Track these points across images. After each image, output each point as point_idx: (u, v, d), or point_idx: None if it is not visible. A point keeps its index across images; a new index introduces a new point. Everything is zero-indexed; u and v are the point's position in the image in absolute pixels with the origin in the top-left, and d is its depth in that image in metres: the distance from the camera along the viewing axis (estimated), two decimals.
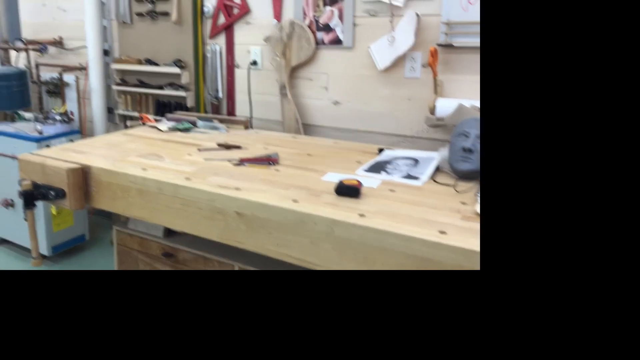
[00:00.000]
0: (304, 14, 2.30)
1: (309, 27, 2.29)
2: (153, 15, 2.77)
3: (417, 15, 1.97)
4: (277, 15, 2.39)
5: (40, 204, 2.52)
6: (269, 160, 1.74)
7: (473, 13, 1.87)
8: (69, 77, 3.25)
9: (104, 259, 2.87)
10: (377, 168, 1.63)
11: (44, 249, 2.72)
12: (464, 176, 1.54)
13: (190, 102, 2.71)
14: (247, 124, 2.36)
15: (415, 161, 1.65)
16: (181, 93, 2.70)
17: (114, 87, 2.96)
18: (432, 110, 1.93)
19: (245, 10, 2.50)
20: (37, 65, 3.24)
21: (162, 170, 1.66)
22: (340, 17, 2.21)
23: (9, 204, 2.80)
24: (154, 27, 2.81)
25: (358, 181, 1.42)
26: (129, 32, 2.92)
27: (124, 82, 2.94)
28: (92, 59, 2.94)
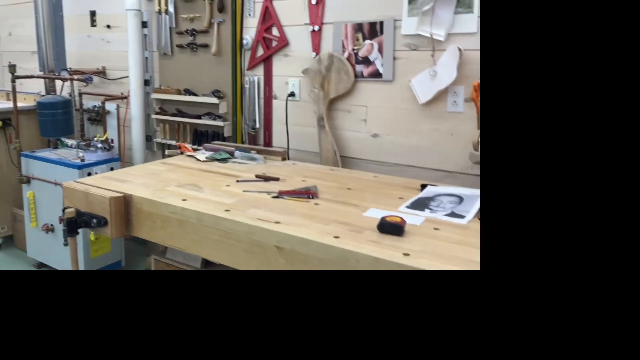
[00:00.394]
0: (343, 47, 2.32)
1: (348, 59, 2.30)
2: (193, 47, 2.84)
3: (460, 49, 1.96)
4: (316, 48, 2.41)
5: (80, 230, 2.56)
6: (308, 194, 1.72)
7: None
8: (110, 106, 3.34)
9: None
10: (420, 205, 1.59)
11: None
12: None
13: (227, 132, 2.74)
14: (285, 156, 2.36)
15: (460, 199, 1.61)
16: (219, 123, 2.73)
17: (153, 116, 3.02)
18: (476, 147, 1.89)
19: (283, 43, 2.53)
20: (80, 94, 3.35)
21: (202, 201, 1.66)
22: (380, 51, 2.21)
23: (49, 229, 2.85)
24: (193, 58, 2.87)
25: (401, 218, 1.39)
26: (169, 63, 2.99)
27: (162, 111, 3.00)
28: (134, 88, 3.02)
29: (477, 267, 1.16)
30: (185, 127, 2.92)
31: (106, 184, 1.82)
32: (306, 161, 2.43)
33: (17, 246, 3.33)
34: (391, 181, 1.98)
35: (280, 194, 1.72)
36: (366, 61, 2.26)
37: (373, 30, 2.22)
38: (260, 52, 2.63)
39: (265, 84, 2.65)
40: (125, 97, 3.19)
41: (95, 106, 3.41)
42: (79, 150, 2.81)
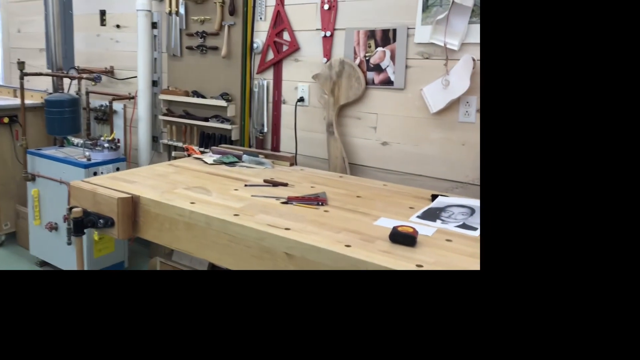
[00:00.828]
0: (355, 53, 2.31)
1: (359, 66, 2.29)
2: (203, 49, 2.83)
3: (474, 59, 1.94)
4: (327, 53, 2.40)
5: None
6: (318, 201, 1.71)
7: None
8: (117, 106, 3.33)
9: None
10: (432, 215, 1.58)
11: None
12: None
13: (234, 135, 2.73)
14: (293, 161, 2.34)
15: (472, 210, 1.59)
16: (226, 126, 2.72)
17: (160, 117, 3.01)
18: None
19: (294, 48, 2.52)
20: (88, 93, 3.34)
21: (210, 204, 1.64)
22: (392, 58, 2.20)
23: (53, 228, 2.83)
24: (202, 60, 2.86)
25: (414, 229, 1.37)
26: (178, 64, 2.98)
27: (170, 113, 2.99)
28: (142, 89, 3.01)
29: None
30: (192, 129, 2.91)
31: (114, 184, 1.81)
32: (314, 167, 2.41)
33: (20, 244, 3.32)
34: (401, 190, 1.96)
35: (289, 200, 1.71)
36: (378, 68, 2.25)
37: (386, 37, 2.20)
38: (270, 56, 2.62)
39: (274, 88, 2.64)
40: (133, 98, 3.18)
41: (102, 105, 3.40)
42: (86, 149, 2.80)
